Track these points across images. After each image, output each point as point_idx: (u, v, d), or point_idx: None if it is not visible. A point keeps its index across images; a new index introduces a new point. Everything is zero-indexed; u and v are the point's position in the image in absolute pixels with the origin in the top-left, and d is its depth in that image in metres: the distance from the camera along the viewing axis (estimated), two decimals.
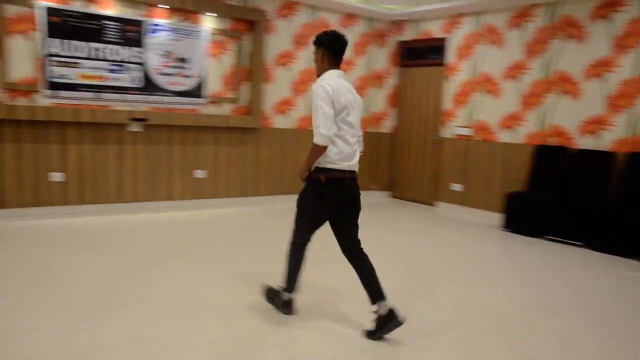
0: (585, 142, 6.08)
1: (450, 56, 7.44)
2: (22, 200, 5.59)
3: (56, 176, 5.73)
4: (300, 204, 3.18)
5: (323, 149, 2.96)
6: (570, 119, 6.19)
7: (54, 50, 5.57)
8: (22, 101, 5.51)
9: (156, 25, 6.09)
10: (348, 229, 3.16)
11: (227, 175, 6.85)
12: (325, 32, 3.14)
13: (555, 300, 4.01)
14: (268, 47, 6.91)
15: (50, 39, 5.53)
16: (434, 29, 7.61)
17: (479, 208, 7.12)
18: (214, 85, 6.61)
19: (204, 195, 6.67)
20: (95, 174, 5.95)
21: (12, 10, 5.36)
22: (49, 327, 3.03)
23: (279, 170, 7.28)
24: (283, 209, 6.93)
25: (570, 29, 6.16)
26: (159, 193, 6.35)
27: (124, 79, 5.99)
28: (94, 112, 5.78)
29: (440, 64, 7.61)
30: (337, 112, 2.97)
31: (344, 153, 3.03)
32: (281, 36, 7.03)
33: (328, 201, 3.06)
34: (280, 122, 7.20)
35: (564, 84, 6.22)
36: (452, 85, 7.43)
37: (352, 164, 3.08)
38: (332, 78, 3.05)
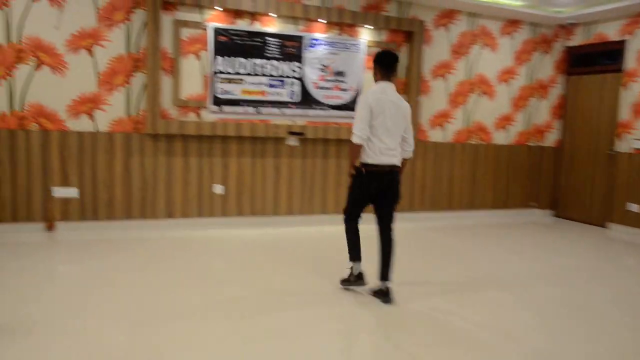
0: None
1: (630, 61, 6.61)
2: (187, 210, 5.82)
3: (218, 188, 5.89)
4: (349, 188, 3.83)
5: (357, 146, 3.60)
6: None
7: (220, 68, 5.78)
8: (190, 117, 5.77)
9: (315, 39, 6.11)
10: (384, 213, 3.76)
11: None
12: (377, 52, 3.79)
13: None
14: (425, 58, 6.65)
15: (218, 57, 5.75)
16: (610, 32, 6.83)
17: None
18: None
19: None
20: (253, 186, 6.05)
21: (186, 32, 5.65)
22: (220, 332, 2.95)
23: (433, 186, 6.93)
24: (438, 226, 6.56)
25: None
26: (314, 207, 6.31)
27: (283, 94, 6.06)
28: (254, 127, 5.90)
29: (617, 70, 6.79)
30: (373, 117, 3.56)
31: (380, 151, 3.61)
32: (439, 46, 6.74)
33: (368, 188, 3.69)
34: (436, 135, 6.87)
35: None
36: (631, 93, 6.58)
37: (389, 159, 3.65)
38: (376, 88, 3.67)
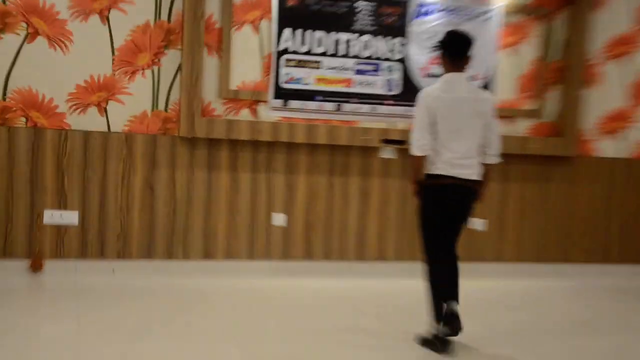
0: None
1: None
2: (234, 249, 4.14)
3: (278, 218, 4.16)
4: (418, 216, 3.14)
5: (418, 159, 3.02)
6: None
7: (287, 46, 4.10)
8: (243, 115, 4.11)
9: (426, 5, 4.27)
10: (448, 235, 3.08)
11: (519, 228, 4.53)
12: (444, 34, 3.18)
13: None
14: (595, 29, 4.47)
15: (284, 29, 4.08)
16: None
17: None
18: (504, 91, 4.45)
19: (480, 257, 4.44)
20: (329, 217, 4.28)
21: None
22: None
23: (603, 223, 4.66)
24: (611, 286, 4.37)
25: None
26: (416, 249, 4.32)
27: (376, 84, 4.27)
28: (334, 131, 4.17)
29: None
30: (436, 121, 2.98)
31: (449, 161, 2.98)
32: (617, 10, 4.55)
33: (437, 206, 3.04)
34: (608, 147, 4.64)
35: None
36: None
37: (462, 172, 2.98)
38: (438, 83, 3.09)
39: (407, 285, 3.95)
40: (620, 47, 4.62)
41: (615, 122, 4.64)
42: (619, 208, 4.67)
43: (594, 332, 3.39)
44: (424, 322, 3.01)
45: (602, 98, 4.61)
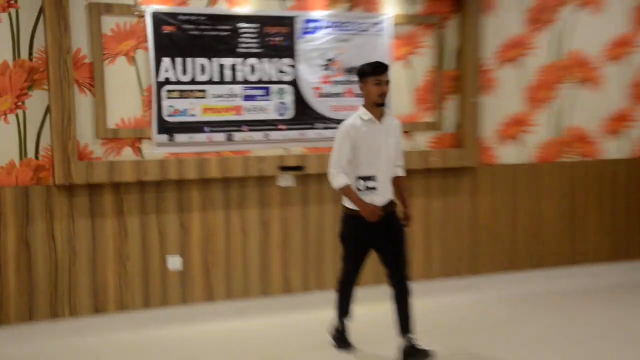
0: None
1: None
2: (125, 300, 3.85)
3: (173, 262, 3.90)
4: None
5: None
6: None
7: (167, 75, 3.82)
8: (126, 154, 3.80)
9: (312, 21, 4.09)
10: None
11: (427, 247, 4.43)
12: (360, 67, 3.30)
13: None
14: (487, 34, 4.39)
15: (163, 58, 3.80)
16: None
17: None
18: (400, 105, 4.31)
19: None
20: (228, 255, 4.04)
21: (111, 23, 3.74)
22: None
23: (510, 233, 4.62)
24: (515, 294, 4.38)
25: None
26: (325, 279, 4.17)
27: (268, 108, 4.05)
28: (226, 163, 3.94)
29: None
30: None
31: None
32: (507, 14, 4.46)
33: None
34: (509, 154, 4.58)
35: None
36: None
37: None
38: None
39: (313, 318, 3.83)
40: (513, 51, 4.56)
41: (514, 128, 4.59)
42: (524, 214, 4.65)
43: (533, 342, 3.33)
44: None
45: (498, 104, 4.55)
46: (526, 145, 4.64)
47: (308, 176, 4.09)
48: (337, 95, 4.15)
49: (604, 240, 4.87)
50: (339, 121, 3.87)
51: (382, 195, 3.24)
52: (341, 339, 3.43)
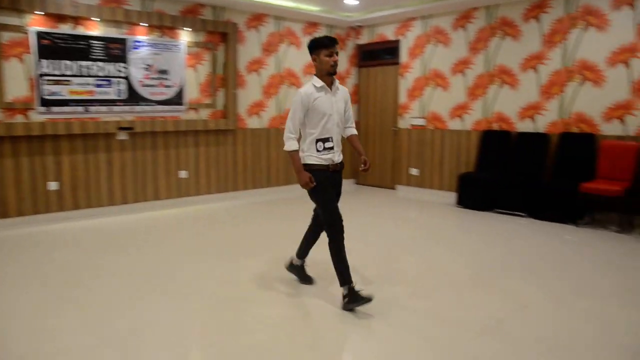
0: (524, 126, 6.97)
1: (403, 56, 8.24)
2: (22, 209, 6.06)
3: (52, 185, 6.22)
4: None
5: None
6: (510, 106, 7.07)
7: (45, 70, 6.06)
8: (18, 119, 5.98)
9: (138, 41, 6.64)
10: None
11: (208, 174, 7.49)
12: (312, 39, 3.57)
13: (507, 264, 4.68)
14: (240, 55, 7.57)
15: (42, 60, 6.02)
16: (388, 33, 8.41)
17: (434, 189, 7.98)
18: (192, 93, 7.24)
19: (188, 194, 7.30)
20: (87, 180, 6.46)
21: (6, 36, 5.83)
22: (65, 325, 3.37)
23: (254, 167, 7.97)
24: (260, 201, 7.62)
25: (506, 28, 7.03)
26: (147, 194, 6.93)
27: (110, 93, 6.51)
28: (84, 125, 6.30)
29: (395, 63, 8.41)
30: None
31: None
32: (252, 45, 7.70)
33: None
34: (253, 122, 7.88)
35: (504, 76, 7.10)
36: (406, 81, 8.24)
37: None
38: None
39: (142, 217, 6.59)
40: (255, 65, 7.79)
41: (256, 108, 7.88)
42: (260, 156, 8.01)
43: (242, 223, 6.53)
44: (157, 232, 5.73)
45: (247, 95, 7.75)
46: (262, 118, 7.99)
47: (136, 133, 6.75)
48: (153, 86, 6.83)
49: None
50: (155, 101, 6.67)
51: (337, 153, 3.56)
52: (303, 275, 4.01)
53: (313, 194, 3.54)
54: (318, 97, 3.43)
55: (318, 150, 3.47)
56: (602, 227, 5.98)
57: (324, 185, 3.46)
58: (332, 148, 3.50)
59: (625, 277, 4.31)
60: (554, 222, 6.23)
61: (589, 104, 6.37)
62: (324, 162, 3.50)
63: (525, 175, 6.71)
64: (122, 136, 6.64)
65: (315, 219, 3.87)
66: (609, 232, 5.81)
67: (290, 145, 3.48)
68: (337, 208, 3.52)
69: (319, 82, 3.46)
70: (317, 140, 3.46)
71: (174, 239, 5.54)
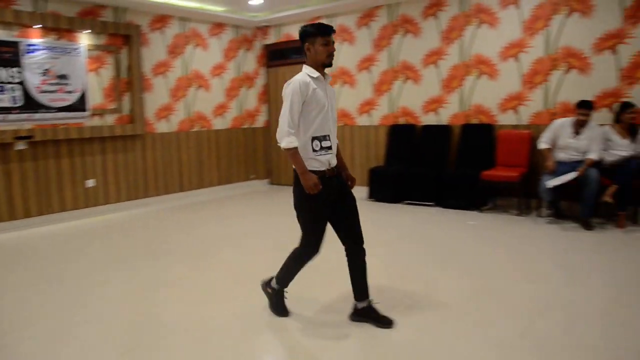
0: (428, 119, 7.32)
1: None
2: None
3: None
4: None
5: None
6: (415, 101, 7.41)
7: None
8: None
9: (32, 45, 6.28)
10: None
11: (117, 182, 7.24)
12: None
13: (418, 250, 4.95)
14: (145, 58, 7.38)
15: None
16: (294, 32, 8.50)
17: None
18: (95, 98, 6.95)
19: (97, 203, 7.01)
20: None
21: None
22: None
23: (165, 172, 7.80)
24: (172, 207, 7.48)
25: (407, 25, 7.35)
26: (52, 206, 6.60)
27: (4, 100, 6.11)
28: None
29: (303, 63, 8.51)
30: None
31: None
32: (156, 47, 7.53)
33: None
34: (162, 127, 7.71)
35: (408, 72, 7.42)
36: None
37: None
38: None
39: (47, 230, 6.27)
40: (162, 68, 7.64)
41: (165, 112, 7.73)
42: (171, 161, 7.88)
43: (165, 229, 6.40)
44: (60, 247, 5.47)
45: (155, 98, 7.59)
46: (171, 121, 7.84)
47: (36, 142, 6.38)
48: (53, 92, 6.48)
49: (218, 171, 8.50)
50: (55, 108, 6.38)
51: (334, 155, 3.12)
52: (376, 315, 3.25)
53: (302, 208, 3.07)
54: (316, 87, 2.97)
55: (314, 150, 2.98)
56: (503, 212, 6.42)
57: (322, 201, 3.00)
58: (329, 148, 3.04)
59: (517, 254, 4.69)
60: (459, 209, 6.60)
61: (486, 96, 6.81)
62: (320, 167, 3.01)
63: (432, 166, 7.05)
64: (21, 146, 6.28)
65: (347, 250, 3.34)
66: (509, 215, 6.24)
67: (289, 142, 2.91)
68: (323, 235, 3.14)
69: (314, 73, 3.00)
70: (313, 139, 2.98)
71: (83, 252, 5.32)
